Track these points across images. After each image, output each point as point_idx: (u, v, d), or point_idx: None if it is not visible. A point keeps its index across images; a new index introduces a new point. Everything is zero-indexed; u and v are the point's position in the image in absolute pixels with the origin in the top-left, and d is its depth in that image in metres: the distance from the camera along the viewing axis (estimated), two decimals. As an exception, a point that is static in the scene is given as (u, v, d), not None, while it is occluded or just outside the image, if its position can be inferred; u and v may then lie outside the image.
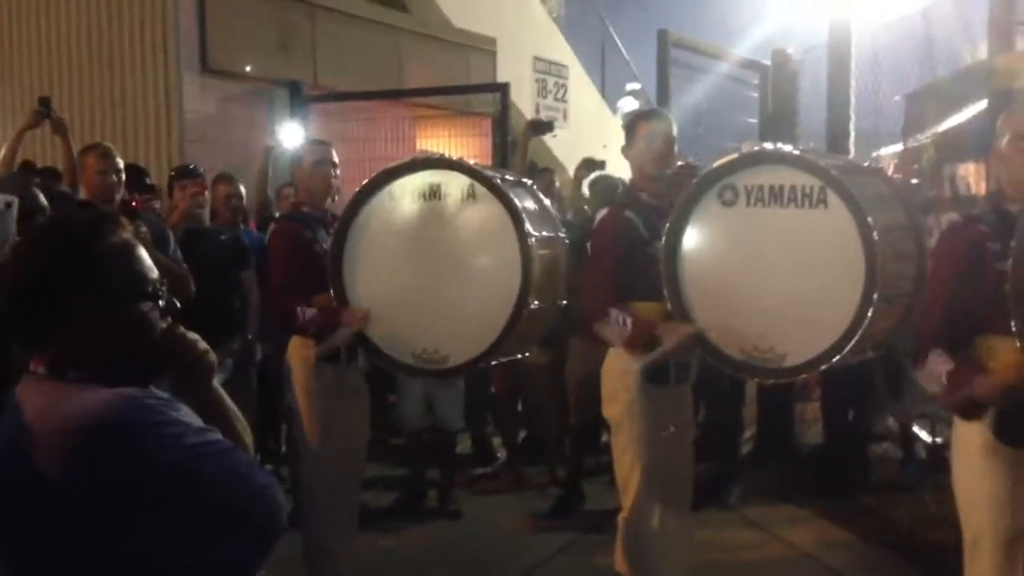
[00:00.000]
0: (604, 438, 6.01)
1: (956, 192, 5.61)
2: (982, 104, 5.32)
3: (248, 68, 8.33)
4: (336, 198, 4.29)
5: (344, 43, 9.25)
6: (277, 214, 5.44)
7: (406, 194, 3.81)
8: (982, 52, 6.41)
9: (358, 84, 8.80)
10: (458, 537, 5.31)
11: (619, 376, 3.66)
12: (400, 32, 10.16)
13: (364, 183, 3.86)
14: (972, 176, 5.60)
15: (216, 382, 1.68)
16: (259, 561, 1.54)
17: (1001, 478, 2.80)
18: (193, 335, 1.64)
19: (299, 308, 3.86)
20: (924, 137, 6.41)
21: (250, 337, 5.32)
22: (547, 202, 4.10)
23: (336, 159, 4.17)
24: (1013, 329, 2.70)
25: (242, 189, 5.72)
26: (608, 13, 14.90)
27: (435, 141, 9.19)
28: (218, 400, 1.67)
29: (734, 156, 3.49)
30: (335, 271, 3.85)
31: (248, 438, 1.69)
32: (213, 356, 1.66)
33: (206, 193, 5.41)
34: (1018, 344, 2.69)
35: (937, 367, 2.86)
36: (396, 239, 3.85)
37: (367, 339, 3.87)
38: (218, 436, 1.54)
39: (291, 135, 6.35)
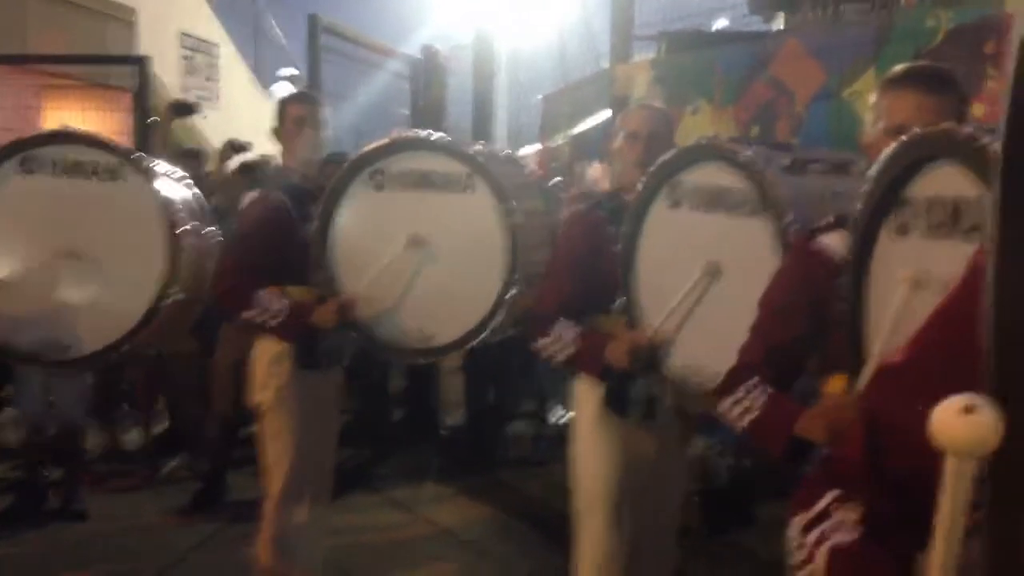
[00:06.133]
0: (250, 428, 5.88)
1: (584, 188, 6.12)
2: (609, 110, 5.83)
3: None
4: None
5: (-44, -2, 8.23)
6: None
7: (41, 169, 3.50)
8: (606, 61, 7.05)
9: (-27, 45, 7.87)
10: (85, 539, 4.90)
11: (270, 363, 3.59)
12: (26, -9, 9.21)
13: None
14: (599, 174, 6.13)
15: None
16: None
17: (611, 446, 3.09)
18: None
19: None
20: (560, 137, 6.92)
21: None
22: (196, 191, 3.94)
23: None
24: (624, 305, 2.99)
25: None
26: (263, -6, 14.56)
27: (66, 114, 8.42)
28: None
29: (384, 141, 3.56)
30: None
31: None
32: None
33: None
34: (627, 320, 2.98)
35: (566, 334, 3.08)
36: (24, 217, 3.54)
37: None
38: None
39: None
